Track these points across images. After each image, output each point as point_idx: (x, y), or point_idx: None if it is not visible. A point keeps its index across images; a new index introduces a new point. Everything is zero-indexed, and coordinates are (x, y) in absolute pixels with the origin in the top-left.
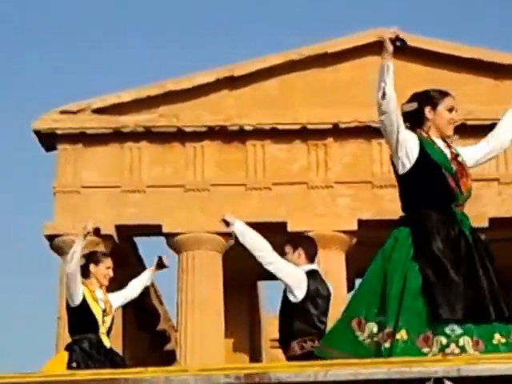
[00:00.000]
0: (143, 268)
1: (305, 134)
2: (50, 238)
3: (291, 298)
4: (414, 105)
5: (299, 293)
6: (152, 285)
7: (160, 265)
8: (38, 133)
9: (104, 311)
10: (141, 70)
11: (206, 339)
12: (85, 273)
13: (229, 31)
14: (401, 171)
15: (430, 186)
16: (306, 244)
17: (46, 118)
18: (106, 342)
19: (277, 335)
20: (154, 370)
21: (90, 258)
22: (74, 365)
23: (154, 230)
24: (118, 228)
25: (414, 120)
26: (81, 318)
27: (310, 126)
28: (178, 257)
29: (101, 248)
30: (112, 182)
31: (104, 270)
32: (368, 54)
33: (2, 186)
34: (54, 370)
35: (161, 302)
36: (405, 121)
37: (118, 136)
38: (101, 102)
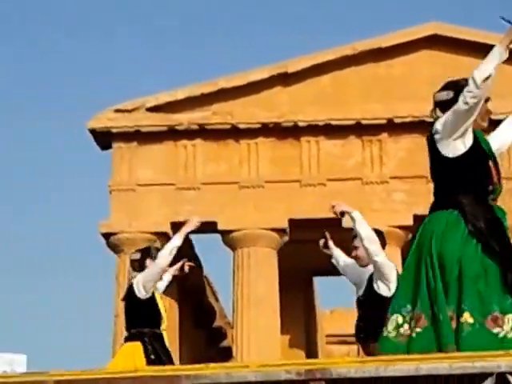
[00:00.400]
0: (199, 265)
1: (359, 129)
2: (106, 236)
3: (385, 290)
4: (450, 93)
5: (393, 286)
6: (208, 282)
7: (182, 269)
8: (93, 132)
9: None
10: (194, 67)
11: (262, 336)
12: (141, 267)
13: (282, 28)
14: (451, 155)
15: (476, 175)
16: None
17: (101, 117)
18: (166, 339)
19: (333, 331)
20: (215, 366)
21: (147, 253)
22: (153, 357)
23: (209, 227)
24: (174, 225)
25: (449, 109)
26: (149, 312)
27: (364, 122)
28: (233, 254)
29: (157, 245)
30: (167, 179)
31: None
32: (422, 48)
33: (59, 185)
34: (129, 360)
35: (216, 299)
36: (441, 109)
37: (172, 134)
38: (155, 100)
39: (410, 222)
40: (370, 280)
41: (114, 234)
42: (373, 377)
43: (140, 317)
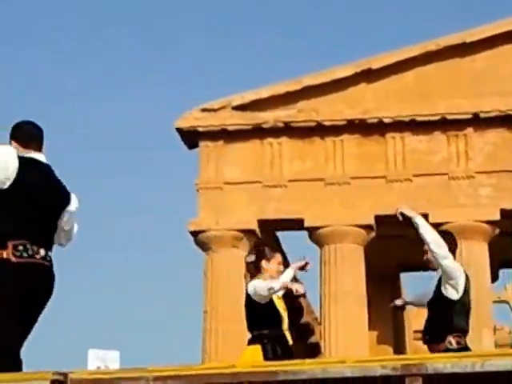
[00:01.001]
0: (286, 262)
1: (444, 124)
2: (195, 233)
3: (453, 293)
4: None
5: (461, 289)
6: (295, 279)
7: (303, 268)
8: (180, 131)
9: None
10: (278, 65)
11: (350, 332)
12: (257, 269)
13: (365, 24)
14: None
15: None
16: (447, 240)
17: (188, 117)
18: (289, 338)
19: (420, 326)
20: (312, 361)
21: (261, 254)
22: (272, 358)
23: (295, 224)
24: (261, 223)
25: None
26: (267, 314)
27: (449, 117)
28: (319, 250)
29: (244, 243)
30: (253, 177)
31: (276, 265)
32: (507, 42)
33: (147, 183)
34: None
35: (304, 296)
36: None
37: (258, 132)
38: (240, 98)
39: (496, 216)
40: (439, 283)
41: (202, 231)
42: (469, 372)
43: (259, 319)
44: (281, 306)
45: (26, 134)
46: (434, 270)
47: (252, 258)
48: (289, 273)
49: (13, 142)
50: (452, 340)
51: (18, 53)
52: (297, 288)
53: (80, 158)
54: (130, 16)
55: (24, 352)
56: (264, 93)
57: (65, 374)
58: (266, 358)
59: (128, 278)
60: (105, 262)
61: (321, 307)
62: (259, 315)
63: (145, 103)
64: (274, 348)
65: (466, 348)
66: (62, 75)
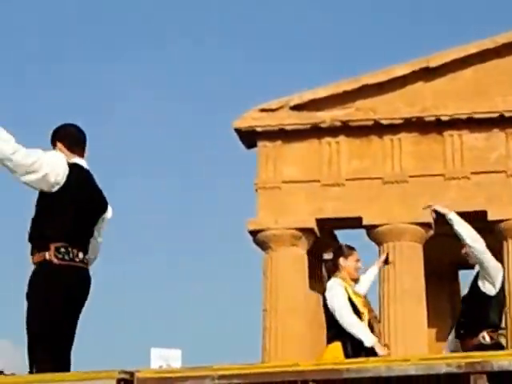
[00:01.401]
0: None
1: (502, 122)
2: (254, 233)
3: (490, 289)
4: None
5: (498, 285)
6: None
7: (386, 261)
8: (238, 131)
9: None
10: (336, 65)
11: (410, 329)
12: (334, 267)
13: (423, 22)
14: None
15: None
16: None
17: (247, 117)
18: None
19: None
20: (376, 359)
21: (339, 252)
22: (351, 354)
23: (353, 223)
24: (319, 221)
25: None
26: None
27: (507, 114)
28: (378, 248)
29: (302, 241)
30: (311, 176)
31: (353, 262)
32: None
33: (206, 183)
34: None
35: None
36: None
37: (315, 131)
38: (298, 98)
39: None
40: (476, 278)
41: (261, 231)
42: None
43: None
44: (359, 302)
45: (73, 138)
46: (472, 264)
47: (330, 255)
48: (374, 270)
49: (58, 143)
50: (486, 335)
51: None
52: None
53: (139, 159)
54: (188, 17)
55: (86, 351)
56: (322, 92)
57: (131, 373)
58: (346, 355)
59: (189, 277)
60: (166, 262)
61: (380, 306)
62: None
63: (203, 104)
64: (354, 345)
65: (498, 343)
66: (123, 75)
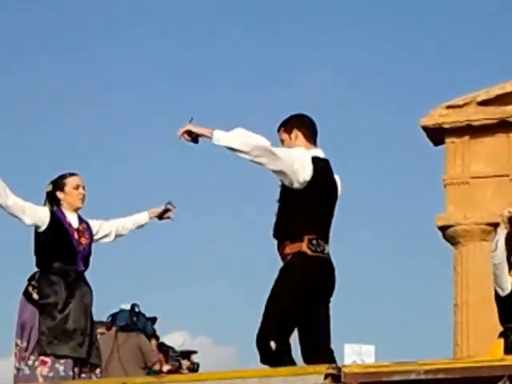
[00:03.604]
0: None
1: None
2: (443, 228)
3: None
4: None
5: None
6: None
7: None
8: (425, 128)
9: None
10: None
11: None
12: None
13: None
14: None
15: None
16: None
17: (433, 114)
18: None
19: None
20: None
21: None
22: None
23: None
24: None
25: None
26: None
27: None
28: None
29: (493, 236)
30: (500, 171)
31: None
32: None
33: (395, 181)
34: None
35: None
36: None
37: (504, 126)
38: (485, 94)
39: None
40: None
41: (451, 226)
42: None
43: (507, 313)
44: None
45: (310, 129)
46: None
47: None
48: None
49: (296, 131)
50: None
51: None
52: None
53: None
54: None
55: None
56: (510, 87)
57: (339, 368)
58: (506, 351)
59: (382, 272)
60: (360, 258)
61: None
62: (505, 308)
63: (392, 102)
64: None
65: None
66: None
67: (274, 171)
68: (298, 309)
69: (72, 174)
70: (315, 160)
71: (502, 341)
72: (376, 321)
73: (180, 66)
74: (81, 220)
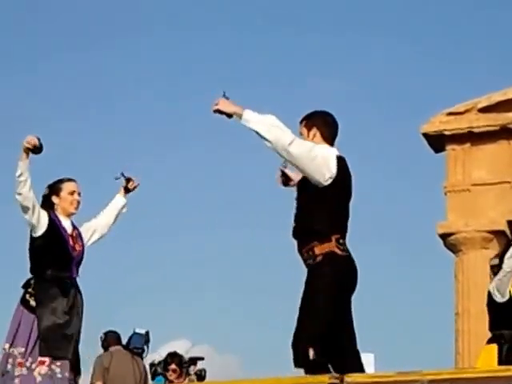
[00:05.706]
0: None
1: None
2: (444, 236)
3: None
4: None
5: None
6: None
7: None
8: (426, 135)
9: None
10: None
11: None
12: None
13: None
14: None
15: None
16: None
17: (434, 121)
18: None
19: None
20: None
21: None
22: (504, 359)
23: None
24: (510, 223)
25: None
26: (508, 313)
27: None
28: None
29: (494, 244)
30: (501, 178)
31: None
32: None
33: (395, 188)
34: (485, 363)
35: None
36: None
37: (505, 133)
38: (486, 100)
39: None
40: None
41: (452, 234)
42: None
43: (499, 318)
44: None
45: (331, 130)
46: None
47: (495, 261)
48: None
49: (315, 130)
50: None
51: None
52: None
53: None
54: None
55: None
56: (511, 93)
57: (341, 378)
58: (500, 359)
59: (382, 280)
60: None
61: None
62: (500, 314)
63: (392, 109)
64: (510, 349)
65: None
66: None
67: (297, 167)
68: (335, 309)
69: (69, 180)
70: (339, 159)
71: (494, 347)
72: (375, 328)
73: (194, 67)
74: (74, 226)
